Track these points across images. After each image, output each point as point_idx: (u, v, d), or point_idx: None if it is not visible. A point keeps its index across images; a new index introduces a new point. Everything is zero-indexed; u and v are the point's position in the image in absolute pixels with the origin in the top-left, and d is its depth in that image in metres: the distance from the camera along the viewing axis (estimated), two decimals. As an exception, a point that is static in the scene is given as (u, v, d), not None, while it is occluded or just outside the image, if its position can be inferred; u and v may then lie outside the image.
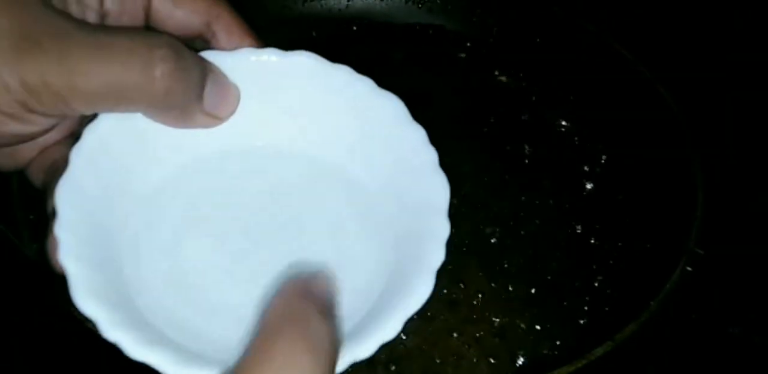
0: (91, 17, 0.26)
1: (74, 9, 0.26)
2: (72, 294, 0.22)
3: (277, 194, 0.29)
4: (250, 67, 0.28)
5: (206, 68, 0.27)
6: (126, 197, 0.27)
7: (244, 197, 0.29)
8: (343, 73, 0.29)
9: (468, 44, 0.55)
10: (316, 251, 0.27)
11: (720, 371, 0.41)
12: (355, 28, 0.56)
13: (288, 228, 0.28)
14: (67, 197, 0.24)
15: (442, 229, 0.25)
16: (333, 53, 0.54)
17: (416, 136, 0.28)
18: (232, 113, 0.28)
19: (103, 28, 0.26)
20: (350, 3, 0.57)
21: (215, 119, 0.28)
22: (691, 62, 0.54)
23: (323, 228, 0.28)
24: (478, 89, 0.52)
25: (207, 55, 0.27)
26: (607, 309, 0.41)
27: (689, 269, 0.39)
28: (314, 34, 0.55)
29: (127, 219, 0.27)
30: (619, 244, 0.44)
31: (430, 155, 0.27)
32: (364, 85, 0.29)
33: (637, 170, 0.47)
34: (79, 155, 0.25)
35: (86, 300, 0.22)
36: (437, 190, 0.27)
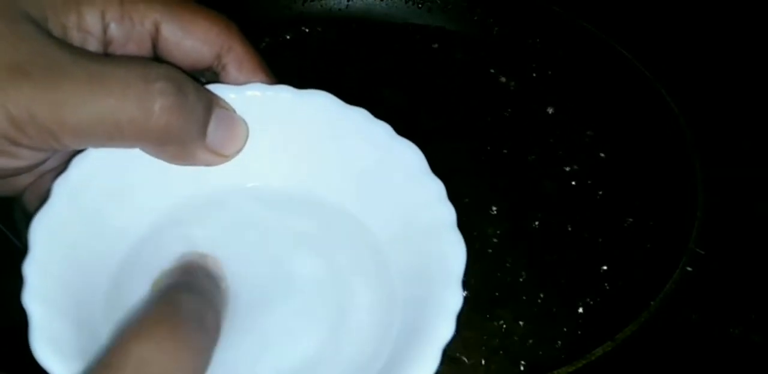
0: (93, 45, 0.25)
1: (74, 36, 0.24)
2: (30, 341, 0.21)
3: (277, 242, 0.27)
4: (259, 104, 0.26)
5: (211, 102, 0.25)
6: (110, 236, 0.25)
7: (240, 244, 0.26)
8: (358, 116, 0.26)
9: (468, 44, 0.55)
10: (316, 310, 0.25)
11: (720, 371, 0.41)
12: (355, 27, 0.56)
13: (285, 281, 0.26)
14: (42, 232, 0.23)
15: (454, 300, 0.23)
16: (333, 53, 0.54)
17: (434, 191, 0.25)
18: (239, 150, 0.26)
19: (100, 57, 0.24)
20: (350, 3, 0.57)
21: (220, 156, 0.26)
22: (691, 62, 0.54)
23: (327, 285, 0.26)
24: (477, 89, 0.52)
25: (215, 88, 0.26)
26: (607, 309, 0.41)
27: (689, 269, 0.39)
28: (314, 34, 0.55)
29: (109, 260, 0.25)
30: (620, 244, 0.44)
31: (448, 213, 0.25)
32: (381, 130, 0.26)
33: (638, 170, 0.47)
34: (62, 187, 0.24)
35: (44, 348, 0.20)
36: (452, 254, 0.24)
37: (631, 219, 0.45)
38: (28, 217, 0.24)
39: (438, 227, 0.25)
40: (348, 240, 0.27)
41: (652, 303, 0.37)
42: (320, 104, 0.26)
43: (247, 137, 0.26)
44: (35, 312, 0.21)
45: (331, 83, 0.54)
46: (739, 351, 0.42)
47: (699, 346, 0.42)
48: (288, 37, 0.54)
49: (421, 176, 0.26)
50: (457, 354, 0.39)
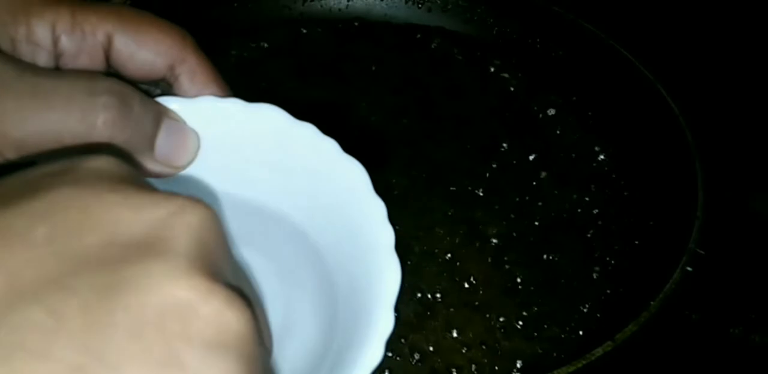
0: (43, 58, 0.25)
1: (24, 49, 0.24)
2: None
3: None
4: (209, 116, 0.26)
5: (160, 114, 0.25)
6: None
7: None
8: (306, 132, 0.27)
9: (468, 44, 0.55)
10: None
11: (720, 371, 0.41)
12: (355, 27, 0.56)
13: None
14: None
15: (385, 324, 0.23)
16: (333, 53, 0.54)
17: (375, 212, 0.25)
18: (191, 161, 0.26)
19: (46, 72, 0.24)
20: (350, 3, 0.57)
21: (170, 168, 0.26)
22: (691, 62, 0.54)
23: (273, 302, 0.26)
24: (477, 89, 0.52)
25: (166, 100, 0.26)
26: (607, 309, 0.41)
27: (689, 269, 0.39)
28: (314, 33, 0.55)
29: None
30: (620, 244, 0.44)
31: (386, 236, 0.25)
32: (328, 147, 0.26)
33: (637, 170, 0.47)
34: None
35: None
36: (388, 279, 0.24)
37: (631, 219, 0.45)
38: None
39: (377, 249, 0.25)
40: (293, 254, 0.27)
41: (652, 303, 0.37)
42: (269, 117, 0.27)
43: (198, 148, 0.26)
44: None
45: (330, 83, 0.54)
46: (739, 351, 0.42)
47: (699, 346, 0.42)
48: (288, 36, 0.54)
49: (363, 195, 0.26)
50: (456, 354, 0.39)
